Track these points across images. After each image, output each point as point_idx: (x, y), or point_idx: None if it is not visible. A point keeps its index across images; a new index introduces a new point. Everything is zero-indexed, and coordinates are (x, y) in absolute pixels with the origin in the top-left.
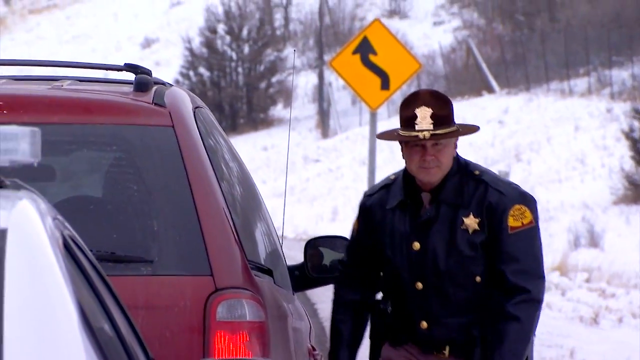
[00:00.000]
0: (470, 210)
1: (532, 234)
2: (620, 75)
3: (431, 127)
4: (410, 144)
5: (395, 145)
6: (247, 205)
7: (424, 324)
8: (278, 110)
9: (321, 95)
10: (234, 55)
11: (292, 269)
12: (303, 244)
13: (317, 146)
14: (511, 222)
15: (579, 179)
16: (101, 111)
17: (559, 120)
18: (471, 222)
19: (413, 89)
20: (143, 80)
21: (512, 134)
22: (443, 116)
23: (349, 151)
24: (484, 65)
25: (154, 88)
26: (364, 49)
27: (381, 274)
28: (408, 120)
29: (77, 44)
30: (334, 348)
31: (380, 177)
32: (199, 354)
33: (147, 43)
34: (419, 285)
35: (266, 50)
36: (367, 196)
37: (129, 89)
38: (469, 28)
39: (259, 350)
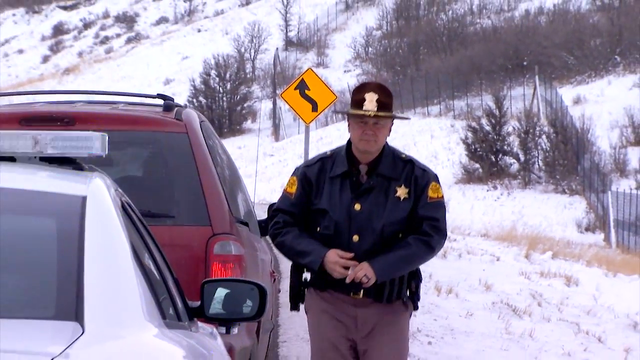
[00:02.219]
0: (401, 182)
1: (443, 204)
2: (459, 104)
3: (375, 109)
4: (356, 121)
5: (321, 144)
6: (232, 181)
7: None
8: (248, 124)
9: (275, 114)
10: (220, 89)
11: (259, 222)
12: (264, 207)
13: (272, 146)
14: (430, 193)
15: (434, 168)
16: (143, 123)
17: (421, 131)
18: (402, 191)
19: (330, 113)
20: (168, 104)
21: (392, 140)
22: (385, 103)
23: (291, 149)
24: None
25: (175, 109)
26: (302, 86)
27: (317, 229)
28: (358, 102)
29: (124, 82)
30: (305, 251)
31: None
32: (202, 275)
33: (167, 82)
34: (356, 237)
35: (241, 86)
36: (307, 167)
37: (159, 109)
38: (366, 74)
39: (239, 273)
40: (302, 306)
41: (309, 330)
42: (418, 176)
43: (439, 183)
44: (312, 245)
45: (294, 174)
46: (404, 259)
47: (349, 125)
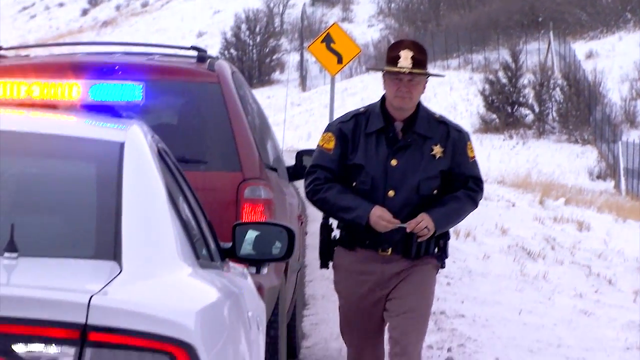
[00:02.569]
0: (437, 141)
1: (477, 162)
2: (477, 57)
3: (410, 66)
4: (391, 78)
5: (345, 95)
6: (262, 129)
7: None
8: (276, 75)
9: (302, 66)
10: (250, 42)
11: (288, 168)
12: (292, 154)
13: (299, 96)
14: (469, 153)
15: (453, 118)
16: (178, 73)
17: (441, 84)
18: (438, 150)
19: (354, 65)
20: (202, 55)
21: None
22: (420, 60)
23: (317, 99)
24: None
25: (208, 60)
26: (328, 40)
27: (354, 184)
28: (393, 59)
29: (159, 34)
30: (350, 206)
31: (337, 115)
32: (233, 218)
33: (200, 34)
34: (391, 193)
35: (270, 40)
36: (342, 122)
37: (193, 61)
38: (389, 29)
39: (268, 216)
40: (330, 264)
41: (336, 287)
42: (455, 138)
43: (471, 142)
44: (357, 200)
45: (327, 130)
46: (457, 211)
47: (384, 82)
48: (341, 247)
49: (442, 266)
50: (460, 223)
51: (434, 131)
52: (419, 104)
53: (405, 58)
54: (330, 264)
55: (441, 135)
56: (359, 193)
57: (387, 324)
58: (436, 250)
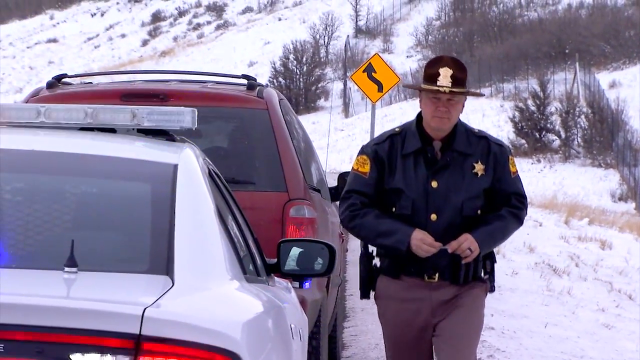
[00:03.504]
0: (477, 158)
1: (520, 177)
2: (508, 86)
3: (450, 85)
4: (429, 96)
5: (385, 121)
6: (306, 152)
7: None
8: (321, 102)
9: (345, 94)
10: (298, 72)
11: (330, 189)
12: (334, 175)
13: (342, 122)
14: (511, 168)
15: None
16: (229, 100)
17: (474, 111)
18: (479, 167)
19: (394, 93)
20: (251, 83)
21: None
22: (460, 78)
23: (359, 125)
24: None
25: (257, 88)
26: (369, 69)
27: (393, 209)
28: (432, 77)
29: (213, 64)
30: (390, 230)
31: None
32: (279, 236)
33: (251, 64)
34: (434, 216)
35: (315, 69)
36: (377, 144)
37: (243, 88)
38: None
39: (312, 234)
40: (372, 294)
41: (381, 319)
42: (496, 152)
43: (513, 157)
44: (396, 224)
45: (362, 152)
46: (501, 230)
47: (420, 100)
48: (384, 276)
49: (492, 290)
50: None
51: (475, 148)
52: (458, 121)
53: (445, 76)
54: (372, 294)
55: (482, 151)
56: (400, 219)
57: (436, 350)
58: (483, 274)
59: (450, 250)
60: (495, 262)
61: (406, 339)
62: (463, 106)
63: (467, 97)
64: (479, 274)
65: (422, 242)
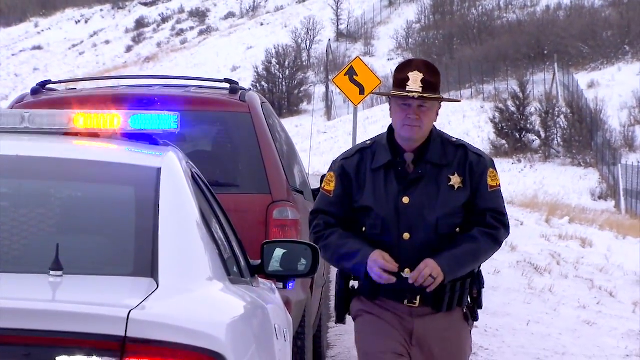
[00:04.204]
0: (454, 170)
1: (501, 193)
2: (488, 88)
3: (420, 90)
4: (398, 103)
5: (367, 123)
6: (289, 155)
7: (408, 272)
8: (304, 106)
9: (327, 97)
10: (280, 75)
11: (313, 191)
12: (317, 178)
13: (325, 125)
14: (489, 181)
15: None
16: (212, 104)
17: (455, 112)
18: (456, 180)
19: (376, 96)
20: (234, 87)
21: None
22: (432, 83)
23: (341, 127)
24: None
25: (240, 92)
26: (351, 72)
27: (363, 229)
28: (401, 82)
29: (196, 69)
30: (350, 253)
31: (359, 141)
32: (262, 237)
33: (234, 69)
34: (406, 235)
35: (297, 73)
36: (345, 159)
37: (226, 92)
38: None
39: (295, 235)
40: (348, 317)
41: (356, 343)
42: (473, 162)
43: (495, 169)
44: (357, 245)
45: (330, 169)
46: (472, 253)
47: (390, 108)
48: (361, 297)
49: (475, 318)
50: None
51: (451, 158)
52: (432, 129)
53: (415, 81)
54: (348, 317)
55: (459, 162)
56: (370, 240)
57: None
58: (469, 299)
59: (411, 281)
60: (483, 285)
61: (382, 348)
62: (437, 114)
63: (441, 103)
64: (464, 300)
65: (375, 263)
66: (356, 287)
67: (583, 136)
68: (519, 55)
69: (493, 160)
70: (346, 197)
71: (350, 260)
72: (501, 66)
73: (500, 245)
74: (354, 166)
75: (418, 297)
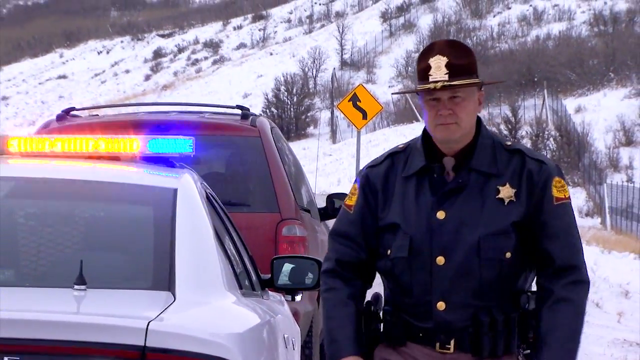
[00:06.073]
0: (506, 180)
1: (572, 209)
2: (482, 112)
3: (446, 77)
4: (426, 100)
5: (370, 146)
6: (297, 176)
7: (442, 305)
8: (310, 130)
9: (332, 122)
10: (288, 102)
11: (320, 209)
12: (323, 197)
13: (330, 147)
14: (555, 192)
15: None
16: (225, 129)
17: None
18: (507, 191)
19: (378, 120)
20: (245, 113)
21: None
22: (460, 65)
23: (346, 150)
24: (414, 107)
25: (251, 117)
26: (354, 99)
27: (388, 252)
28: (423, 72)
29: (210, 96)
30: (330, 338)
31: (362, 164)
32: (272, 253)
33: (245, 95)
34: (441, 260)
35: (305, 99)
36: (371, 167)
37: (238, 118)
38: (407, 88)
39: (303, 251)
40: None
41: None
42: (532, 170)
43: (563, 177)
44: (341, 334)
45: (356, 179)
46: (576, 326)
47: (422, 108)
48: (383, 345)
49: None
50: None
51: (503, 165)
52: (480, 127)
53: (438, 67)
54: None
55: (514, 170)
56: (396, 265)
57: None
58: (521, 345)
59: None
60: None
61: None
62: (480, 103)
63: (483, 89)
64: (513, 345)
65: None
66: (381, 330)
67: (571, 157)
68: (511, 82)
69: (560, 168)
70: (369, 213)
71: (328, 344)
72: (494, 92)
73: (589, 283)
74: (382, 175)
75: (452, 341)
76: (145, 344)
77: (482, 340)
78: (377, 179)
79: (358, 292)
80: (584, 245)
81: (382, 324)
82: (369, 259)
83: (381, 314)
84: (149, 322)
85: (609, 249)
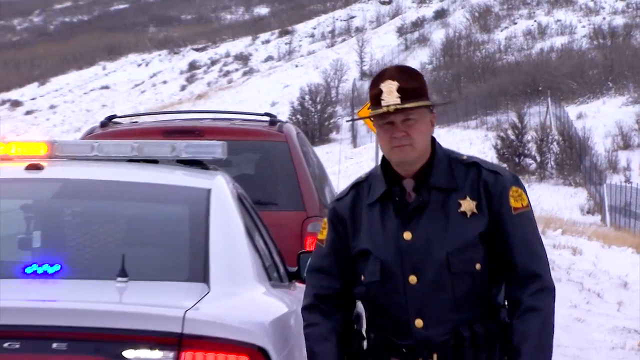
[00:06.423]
0: (465, 193)
1: (532, 216)
2: (491, 119)
3: (398, 100)
4: (380, 124)
5: None
6: (321, 177)
7: (420, 323)
8: (333, 135)
9: (353, 128)
10: (312, 109)
11: None
12: None
13: (351, 151)
14: (513, 202)
15: None
16: (254, 134)
17: (462, 140)
18: (468, 205)
19: None
20: (273, 120)
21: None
22: (411, 89)
23: (365, 153)
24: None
25: (278, 124)
26: None
27: (362, 278)
28: (376, 98)
29: (241, 104)
30: None
31: None
32: (299, 248)
33: (273, 104)
34: (413, 279)
35: (327, 107)
36: (337, 201)
37: (266, 124)
38: None
39: None
40: None
41: None
42: (488, 182)
43: (520, 186)
44: None
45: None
46: (547, 327)
47: (377, 135)
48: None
49: None
50: None
51: (461, 179)
52: (435, 146)
53: (390, 92)
54: None
55: (472, 182)
56: (370, 289)
57: None
58: (503, 358)
59: None
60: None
61: None
62: (433, 125)
63: (433, 109)
64: (494, 358)
65: None
66: (365, 347)
67: (573, 160)
68: (517, 91)
69: (517, 177)
70: (341, 244)
71: None
72: (502, 100)
73: (554, 289)
74: (348, 206)
75: (435, 355)
76: (182, 331)
77: (464, 355)
78: (344, 211)
79: (338, 325)
80: (585, 240)
81: (365, 342)
82: (345, 289)
83: (364, 331)
84: (185, 311)
85: (609, 244)
